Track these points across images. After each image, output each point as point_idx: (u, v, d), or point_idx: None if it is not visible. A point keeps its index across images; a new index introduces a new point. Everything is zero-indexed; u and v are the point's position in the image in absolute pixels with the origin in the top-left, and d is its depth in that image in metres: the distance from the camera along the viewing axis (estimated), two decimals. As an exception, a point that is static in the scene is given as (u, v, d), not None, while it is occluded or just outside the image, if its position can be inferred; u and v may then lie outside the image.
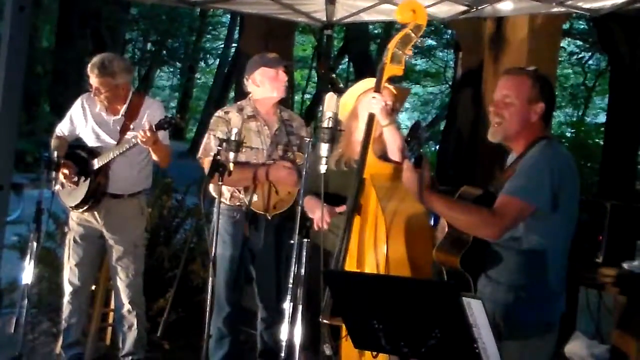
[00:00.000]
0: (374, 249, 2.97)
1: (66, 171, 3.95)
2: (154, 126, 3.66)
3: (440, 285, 2.37)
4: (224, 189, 3.70)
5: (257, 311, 4.00)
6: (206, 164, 3.76)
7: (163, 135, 3.85)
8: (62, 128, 4.13)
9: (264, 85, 3.80)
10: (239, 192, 3.79)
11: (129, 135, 3.90)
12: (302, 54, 25.53)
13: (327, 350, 3.01)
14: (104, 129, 4.00)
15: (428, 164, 2.48)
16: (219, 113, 3.89)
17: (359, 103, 3.30)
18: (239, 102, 3.95)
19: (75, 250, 4.07)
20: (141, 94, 4.16)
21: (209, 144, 3.79)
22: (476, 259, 2.58)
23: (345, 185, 3.03)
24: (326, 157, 2.60)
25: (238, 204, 3.81)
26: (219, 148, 3.29)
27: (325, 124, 2.62)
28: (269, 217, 3.77)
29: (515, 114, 2.53)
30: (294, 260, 2.50)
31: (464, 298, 2.05)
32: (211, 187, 3.86)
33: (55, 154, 3.77)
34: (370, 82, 3.27)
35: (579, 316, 4.56)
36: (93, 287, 4.30)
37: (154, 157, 3.93)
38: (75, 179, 3.97)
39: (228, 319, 3.85)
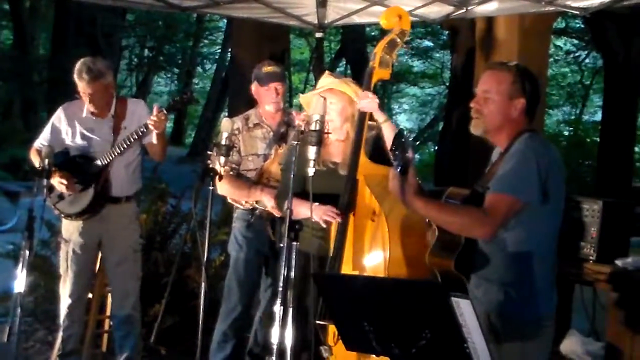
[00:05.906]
0: (375, 252, 2.92)
1: (64, 181, 3.89)
2: (170, 107, 3.71)
3: (429, 285, 2.36)
4: None
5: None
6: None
7: None
8: (42, 140, 4.07)
9: (259, 98, 3.96)
10: None
11: (123, 134, 3.92)
12: (299, 57, 25.56)
13: (324, 352, 3.00)
14: (96, 133, 4.00)
15: (414, 170, 2.47)
16: None
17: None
18: (245, 113, 4.04)
19: (75, 262, 4.03)
20: (122, 97, 4.20)
21: None
22: (468, 260, 2.57)
23: (326, 185, 3.00)
24: (314, 160, 2.60)
25: (253, 207, 3.85)
26: (210, 153, 3.31)
27: (312, 127, 2.63)
28: None
29: (495, 111, 2.52)
30: (283, 263, 2.50)
31: (452, 298, 2.05)
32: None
33: (47, 161, 3.74)
34: (326, 80, 3.27)
35: (574, 314, 4.57)
36: (90, 295, 4.28)
37: (154, 148, 3.91)
38: (78, 187, 3.94)
39: (237, 322, 3.88)
